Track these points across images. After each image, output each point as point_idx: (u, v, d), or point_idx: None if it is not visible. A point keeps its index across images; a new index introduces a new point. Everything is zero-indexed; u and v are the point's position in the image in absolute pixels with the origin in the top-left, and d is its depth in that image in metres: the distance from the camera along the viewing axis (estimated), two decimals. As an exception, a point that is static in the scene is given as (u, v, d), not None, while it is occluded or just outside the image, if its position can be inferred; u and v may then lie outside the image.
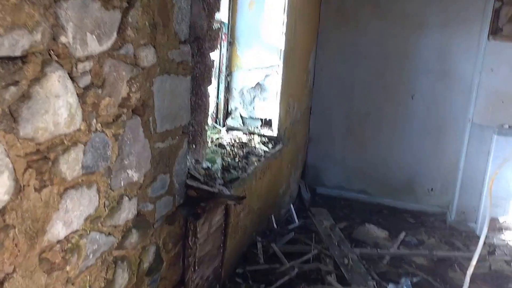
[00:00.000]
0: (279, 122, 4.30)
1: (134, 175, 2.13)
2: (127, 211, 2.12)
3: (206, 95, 2.65)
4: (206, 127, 2.70)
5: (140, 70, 2.07)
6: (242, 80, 4.25)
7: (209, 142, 3.69)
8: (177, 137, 2.49)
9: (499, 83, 4.71)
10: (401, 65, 5.28)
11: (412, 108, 5.36)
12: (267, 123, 4.35)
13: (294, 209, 4.95)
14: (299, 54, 4.77)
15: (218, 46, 2.66)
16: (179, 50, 2.41)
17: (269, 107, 4.27)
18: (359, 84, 5.46)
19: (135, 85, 2.04)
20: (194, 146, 2.70)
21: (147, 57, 2.11)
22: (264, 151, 3.86)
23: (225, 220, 3.09)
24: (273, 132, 4.29)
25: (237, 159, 3.46)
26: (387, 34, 5.25)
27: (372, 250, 3.80)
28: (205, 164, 2.99)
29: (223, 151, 3.53)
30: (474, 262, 1.48)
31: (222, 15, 4.04)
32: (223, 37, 4.08)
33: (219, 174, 2.97)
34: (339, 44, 5.42)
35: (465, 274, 3.67)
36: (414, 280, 3.59)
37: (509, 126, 4.70)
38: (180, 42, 2.42)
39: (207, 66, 2.61)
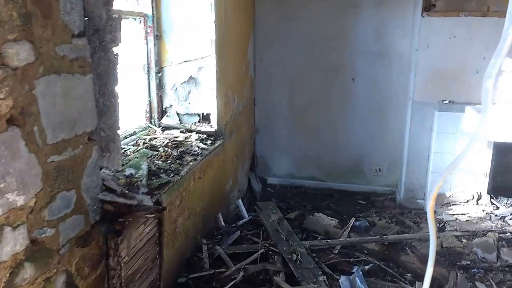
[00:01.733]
0: (218, 116, 3.85)
1: (18, 199, 1.65)
2: (13, 243, 1.64)
3: (114, 95, 2.18)
4: (119, 131, 2.23)
5: (9, 71, 1.58)
6: (174, 75, 3.77)
7: (141, 144, 3.22)
8: (81, 146, 2.01)
9: (436, 59, 4.43)
10: (340, 47, 4.93)
11: (354, 90, 5.03)
12: (205, 118, 3.90)
13: (245, 203, 4.55)
14: (235, 44, 4.33)
15: (121, 38, 2.17)
16: (72, 45, 1.93)
17: (206, 101, 3.81)
18: (300, 70, 5.09)
19: (3, 90, 1.55)
20: (108, 153, 2.23)
21: (19, 54, 1.62)
22: (202, 149, 3.41)
23: (158, 229, 2.64)
24: (213, 127, 3.84)
25: (169, 161, 3.00)
26: (323, 17, 4.88)
27: (322, 241, 3.43)
28: (128, 171, 2.52)
29: (154, 153, 3.06)
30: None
31: (144, 7, 3.54)
32: (149, 30, 3.59)
33: (144, 181, 2.51)
34: (277, 31, 5.02)
35: (417, 256, 3.37)
36: (367, 267, 3.26)
37: (449, 101, 4.43)
38: (73, 35, 1.94)
39: (112, 61, 2.14)
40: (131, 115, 3.54)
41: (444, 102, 4.44)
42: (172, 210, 2.84)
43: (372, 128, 5.09)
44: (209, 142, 3.63)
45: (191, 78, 3.77)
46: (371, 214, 4.66)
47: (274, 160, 5.46)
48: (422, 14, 4.38)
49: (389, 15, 4.74)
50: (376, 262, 3.32)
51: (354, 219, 3.98)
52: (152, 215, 2.25)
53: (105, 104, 2.19)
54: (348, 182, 5.29)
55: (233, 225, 3.95)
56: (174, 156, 3.10)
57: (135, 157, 2.86)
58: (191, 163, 3.09)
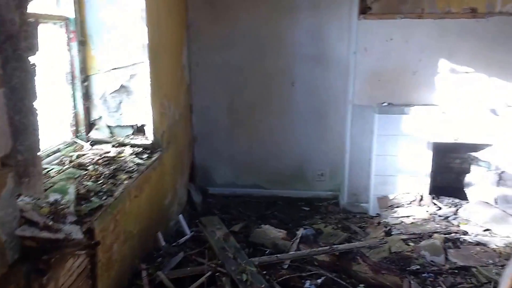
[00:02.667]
0: (153, 126, 3.58)
1: None
2: None
3: (32, 112, 1.88)
4: (39, 153, 1.93)
5: None
6: (102, 83, 3.45)
7: (66, 163, 2.89)
8: (-8, 175, 1.70)
9: (374, 62, 4.46)
10: (278, 52, 4.84)
11: (294, 95, 4.95)
12: (140, 130, 3.61)
13: (185, 217, 4.30)
14: (169, 48, 4.08)
15: (38, 45, 1.87)
16: (-24, 54, 1.62)
17: (140, 111, 3.53)
18: (238, 75, 4.94)
19: None
20: (27, 179, 1.92)
21: None
22: (137, 164, 3.13)
23: (91, 261, 2.35)
24: (148, 139, 3.56)
25: (101, 181, 2.70)
26: (259, 20, 4.76)
27: (272, 257, 3.27)
28: (53, 197, 2.21)
29: (83, 172, 2.75)
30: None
31: (66, 9, 3.20)
32: (71, 35, 3.25)
33: (72, 208, 2.21)
34: (212, 35, 4.83)
35: (369, 265, 3.30)
36: (319, 281, 3.14)
37: (388, 104, 4.46)
38: (-23, 42, 1.63)
39: (28, 72, 1.84)
40: (54, 130, 3.19)
41: (383, 104, 4.47)
42: (106, 237, 2.55)
43: (314, 132, 5.04)
44: (145, 156, 3.35)
45: (122, 86, 3.47)
46: (316, 221, 4.60)
47: (214, 169, 5.26)
48: (358, 17, 4.38)
49: (325, 18, 4.71)
50: (328, 274, 3.21)
51: (302, 229, 3.86)
52: (82, 252, 1.97)
53: (21, 122, 1.88)
54: (291, 188, 5.21)
55: (174, 243, 3.69)
56: (106, 175, 2.80)
57: (60, 179, 2.54)
58: (126, 182, 2.81)
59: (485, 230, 4.01)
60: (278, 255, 3.30)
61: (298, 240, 3.55)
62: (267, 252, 3.55)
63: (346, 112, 4.83)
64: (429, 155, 4.43)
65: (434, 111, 4.34)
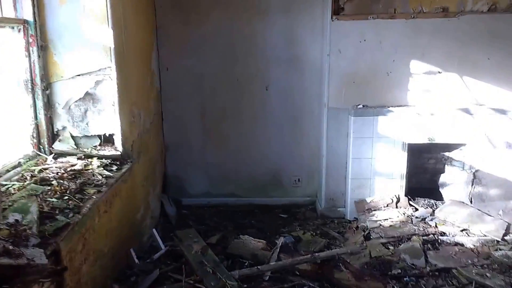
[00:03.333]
0: (123, 136, 3.38)
1: None
2: None
3: (-15, 124, 1.68)
4: (-4, 170, 1.73)
5: None
6: (66, 91, 3.23)
7: (28, 178, 2.66)
8: None
9: (348, 63, 4.39)
10: (251, 55, 4.71)
11: (268, 99, 4.83)
12: (108, 140, 3.39)
13: (159, 231, 4.09)
14: (137, 54, 3.89)
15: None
16: None
17: (107, 120, 3.32)
18: (210, 80, 4.78)
19: None
20: (-18, 199, 1.71)
21: None
22: (106, 177, 2.92)
23: (57, 285, 2.13)
24: (117, 149, 3.35)
25: (66, 197, 2.49)
26: (231, 23, 4.63)
27: (253, 269, 3.12)
28: (13, 218, 1.99)
29: (46, 188, 2.52)
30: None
31: (24, 12, 2.97)
32: (31, 40, 3.02)
33: (34, 228, 2.00)
34: (182, 39, 4.67)
35: (351, 272, 3.19)
36: (302, 291, 3.02)
37: (363, 106, 4.40)
38: None
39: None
40: (13, 143, 2.95)
41: (358, 106, 4.41)
42: (74, 258, 2.34)
43: (289, 137, 4.94)
44: (114, 167, 3.14)
45: (87, 94, 3.25)
46: (294, 228, 4.48)
47: (187, 179, 5.06)
48: (331, 18, 4.30)
49: (298, 20, 4.62)
50: (310, 284, 3.09)
51: (282, 239, 3.72)
52: (47, 280, 1.76)
53: (-28, 136, 1.67)
54: (268, 196, 5.08)
55: (149, 260, 3.47)
56: (72, 190, 2.58)
57: (21, 197, 2.32)
58: (94, 196, 2.60)
59: (462, 230, 3.98)
60: (259, 266, 3.15)
61: (278, 250, 3.41)
62: (246, 264, 3.40)
63: (321, 115, 4.74)
64: (404, 157, 4.38)
65: (408, 112, 4.30)
